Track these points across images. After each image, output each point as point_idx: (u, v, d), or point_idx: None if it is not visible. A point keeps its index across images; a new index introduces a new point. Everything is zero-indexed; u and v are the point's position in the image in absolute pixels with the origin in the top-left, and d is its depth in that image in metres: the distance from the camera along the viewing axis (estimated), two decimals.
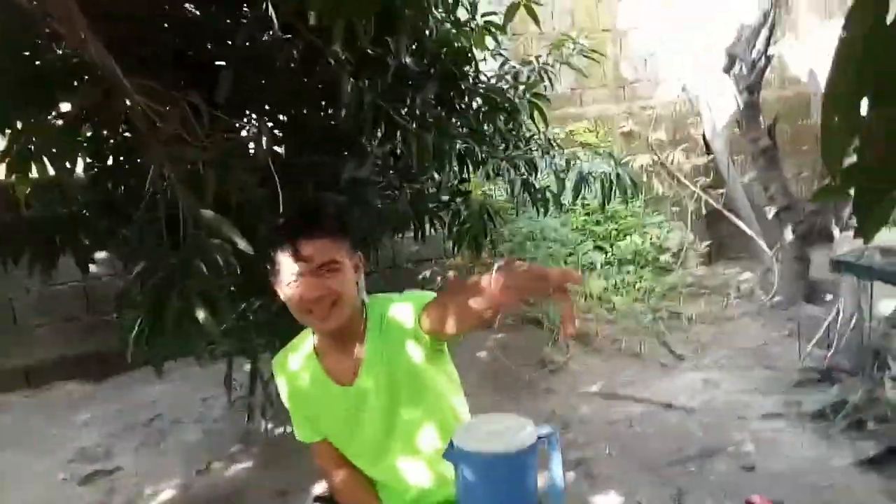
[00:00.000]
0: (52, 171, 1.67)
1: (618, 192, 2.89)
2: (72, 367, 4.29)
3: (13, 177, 1.63)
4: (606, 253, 4.99)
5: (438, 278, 4.98)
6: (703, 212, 5.78)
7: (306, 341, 1.43)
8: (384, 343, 1.33)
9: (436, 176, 2.55)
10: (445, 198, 2.74)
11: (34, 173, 1.70)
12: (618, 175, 2.84)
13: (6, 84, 1.47)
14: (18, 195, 1.79)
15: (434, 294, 1.30)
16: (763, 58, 4.47)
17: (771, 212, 4.61)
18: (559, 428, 3.06)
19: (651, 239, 5.08)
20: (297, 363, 1.42)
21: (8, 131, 1.56)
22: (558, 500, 0.95)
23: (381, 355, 1.33)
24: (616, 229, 5.21)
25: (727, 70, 4.80)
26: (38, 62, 1.52)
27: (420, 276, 4.96)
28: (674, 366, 3.80)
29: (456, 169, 2.62)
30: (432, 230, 2.78)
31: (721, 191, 5.69)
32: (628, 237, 5.10)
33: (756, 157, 4.65)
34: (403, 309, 1.32)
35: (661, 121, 5.95)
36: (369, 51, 2.05)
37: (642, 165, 5.25)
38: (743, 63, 4.56)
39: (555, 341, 3.97)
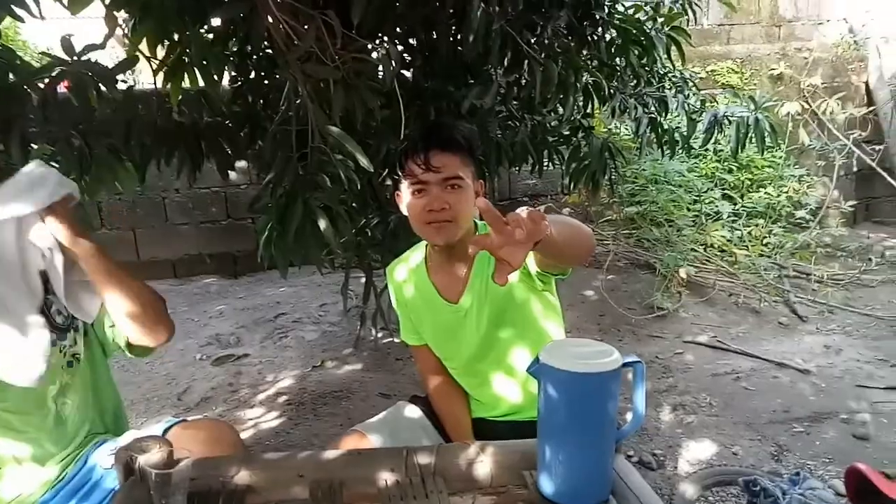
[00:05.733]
0: (201, 82, 1.85)
1: (755, 138, 2.71)
2: (211, 264, 4.78)
3: (168, 85, 1.82)
4: (735, 204, 4.72)
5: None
6: (854, 168, 5.29)
7: (418, 254, 1.52)
8: (489, 267, 1.36)
9: (559, 109, 2.51)
10: (566, 132, 2.70)
11: (186, 83, 1.89)
12: (756, 120, 2.66)
13: None
14: (172, 102, 1.98)
15: None
16: None
17: None
18: (661, 373, 3.03)
19: (788, 193, 4.74)
20: (408, 273, 1.53)
21: (166, 43, 1.73)
22: (637, 421, 1.00)
23: (485, 278, 1.39)
24: (750, 179, 4.90)
25: None
26: None
27: None
28: (794, 326, 3.61)
29: (581, 103, 2.56)
30: (550, 164, 2.75)
31: (878, 147, 5.15)
32: (762, 189, 4.79)
33: None
34: None
35: (819, 65, 5.42)
36: None
37: (789, 113, 4.83)
38: None
39: (667, 287, 3.87)
